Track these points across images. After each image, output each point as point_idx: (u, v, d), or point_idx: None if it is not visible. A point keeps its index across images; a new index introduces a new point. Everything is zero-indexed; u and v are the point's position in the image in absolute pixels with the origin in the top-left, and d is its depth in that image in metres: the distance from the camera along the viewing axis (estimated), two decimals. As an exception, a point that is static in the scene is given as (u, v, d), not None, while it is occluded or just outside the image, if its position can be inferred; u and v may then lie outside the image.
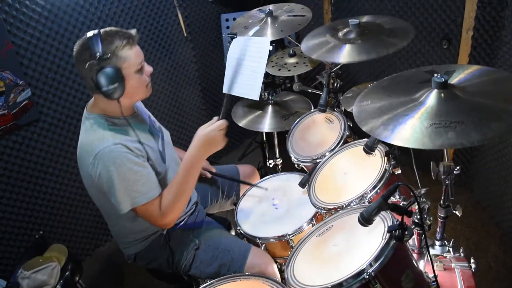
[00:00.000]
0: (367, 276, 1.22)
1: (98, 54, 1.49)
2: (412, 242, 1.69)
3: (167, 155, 1.83)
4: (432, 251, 1.65)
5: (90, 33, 1.53)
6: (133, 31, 1.61)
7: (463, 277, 1.70)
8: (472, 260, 1.70)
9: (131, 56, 1.56)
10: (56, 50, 2.45)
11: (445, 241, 1.60)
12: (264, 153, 2.92)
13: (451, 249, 1.65)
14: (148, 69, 1.67)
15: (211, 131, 1.68)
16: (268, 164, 2.70)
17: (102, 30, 1.55)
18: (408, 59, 2.86)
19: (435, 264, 1.75)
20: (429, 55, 2.74)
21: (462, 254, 1.76)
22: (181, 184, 1.66)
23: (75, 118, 2.61)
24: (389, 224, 1.33)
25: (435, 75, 1.35)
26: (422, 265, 1.66)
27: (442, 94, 1.32)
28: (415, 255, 1.65)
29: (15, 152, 2.42)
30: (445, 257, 1.78)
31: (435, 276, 1.42)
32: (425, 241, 1.39)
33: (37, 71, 2.40)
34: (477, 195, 2.81)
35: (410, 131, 1.22)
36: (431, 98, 1.32)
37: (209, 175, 2.20)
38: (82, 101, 2.61)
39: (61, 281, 2.04)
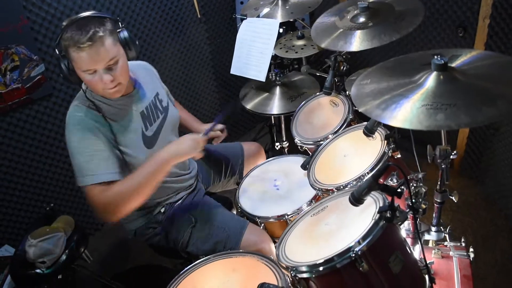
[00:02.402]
0: (354, 255, 1.22)
1: (57, 42, 1.50)
2: (408, 227, 1.68)
3: (161, 140, 1.81)
4: (428, 237, 1.63)
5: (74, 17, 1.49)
6: (100, 32, 1.46)
7: (460, 266, 1.69)
8: (471, 249, 1.69)
9: (77, 58, 1.47)
10: (70, 27, 2.49)
11: (441, 227, 1.59)
12: (272, 136, 2.93)
13: (447, 235, 1.63)
14: (105, 77, 1.52)
15: (188, 137, 1.64)
16: (275, 147, 2.70)
17: (80, 17, 1.48)
18: (422, 46, 2.80)
19: (433, 251, 1.75)
20: (444, 43, 2.68)
21: (463, 244, 1.74)
22: (138, 183, 1.55)
23: (87, 95, 2.66)
24: (381, 205, 1.32)
25: (435, 57, 1.33)
26: (417, 250, 1.65)
27: (441, 76, 1.30)
28: (409, 240, 1.64)
29: (28, 125, 2.49)
30: (446, 245, 1.77)
31: (425, 260, 1.40)
32: (416, 226, 1.38)
33: (51, 47, 2.45)
34: (488, 187, 2.76)
35: (402, 111, 1.21)
36: (430, 80, 1.31)
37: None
38: (94, 78, 2.65)
39: (66, 251, 2.09)
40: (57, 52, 1.52)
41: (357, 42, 1.80)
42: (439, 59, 1.32)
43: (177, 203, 1.94)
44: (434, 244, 1.79)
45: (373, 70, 1.53)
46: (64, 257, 2.08)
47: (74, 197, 2.82)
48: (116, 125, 1.65)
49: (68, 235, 2.16)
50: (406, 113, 1.21)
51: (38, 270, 2.02)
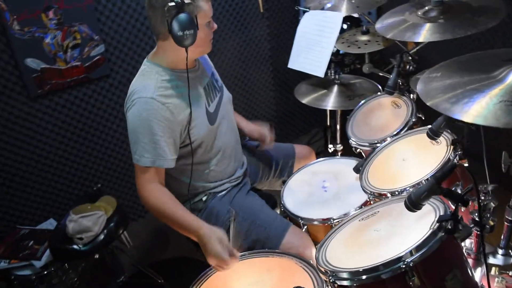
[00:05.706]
0: (404, 266, 1.07)
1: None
2: (470, 246, 1.48)
3: (220, 117, 1.80)
4: (492, 261, 1.43)
5: None
6: None
7: (529, 303, 1.47)
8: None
9: (206, 7, 1.59)
10: (133, 11, 2.50)
11: (510, 250, 1.38)
12: (326, 138, 2.78)
13: (517, 261, 1.42)
14: (214, 25, 1.68)
15: (215, 249, 1.52)
16: (328, 149, 2.56)
17: None
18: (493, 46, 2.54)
19: (496, 279, 1.53)
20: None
21: (531, 274, 1.52)
22: (173, 221, 1.62)
23: (142, 79, 2.67)
24: (441, 214, 1.16)
25: (521, 50, 1.16)
26: (478, 275, 1.45)
27: (527, 73, 1.13)
28: (470, 261, 1.45)
29: (84, 104, 2.51)
30: (510, 275, 1.55)
31: (489, 286, 1.22)
32: (482, 244, 1.19)
33: (113, 28, 2.47)
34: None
35: (476, 106, 1.05)
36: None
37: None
38: (152, 63, 2.66)
39: (104, 231, 2.08)
40: (177, 11, 1.49)
41: (427, 34, 1.65)
42: (525, 53, 1.15)
43: (220, 194, 1.86)
44: (497, 272, 1.58)
45: (444, 64, 1.37)
46: (102, 236, 2.07)
47: (121, 181, 2.83)
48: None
49: (108, 215, 2.15)
50: (481, 108, 1.06)
51: (75, 246, 2.01)
